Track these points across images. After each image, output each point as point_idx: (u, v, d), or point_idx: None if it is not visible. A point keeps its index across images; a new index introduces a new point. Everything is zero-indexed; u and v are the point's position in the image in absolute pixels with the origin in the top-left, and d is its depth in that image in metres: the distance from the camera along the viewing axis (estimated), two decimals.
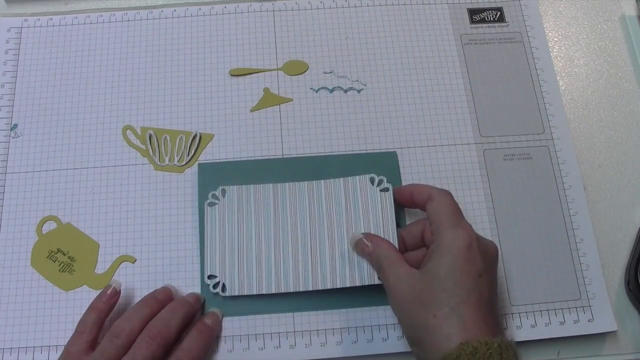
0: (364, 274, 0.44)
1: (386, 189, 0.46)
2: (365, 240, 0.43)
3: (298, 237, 0.45)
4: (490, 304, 0.38)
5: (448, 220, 0.40)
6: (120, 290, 0.43)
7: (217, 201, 0.46)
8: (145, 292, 0.44)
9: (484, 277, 0.38)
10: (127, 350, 0.40)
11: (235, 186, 0.46)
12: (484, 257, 0.39)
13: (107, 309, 0.42)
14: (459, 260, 0.38)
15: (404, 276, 0.39)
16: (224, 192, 0.46)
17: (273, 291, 0.44)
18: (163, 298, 0.43)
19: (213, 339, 0.43)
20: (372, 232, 0.44)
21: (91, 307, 0.42)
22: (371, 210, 0.45)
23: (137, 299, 0.44)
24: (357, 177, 0.47)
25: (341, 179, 0.47)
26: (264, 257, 0.45)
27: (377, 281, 0.42)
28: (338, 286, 0.44)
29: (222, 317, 0.44)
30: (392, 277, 0.40)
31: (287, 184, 0.47)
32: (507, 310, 0.45)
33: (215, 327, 0.43)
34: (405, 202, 0.45)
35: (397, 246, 0.43)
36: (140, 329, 0.41)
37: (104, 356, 0.39)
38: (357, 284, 0.43)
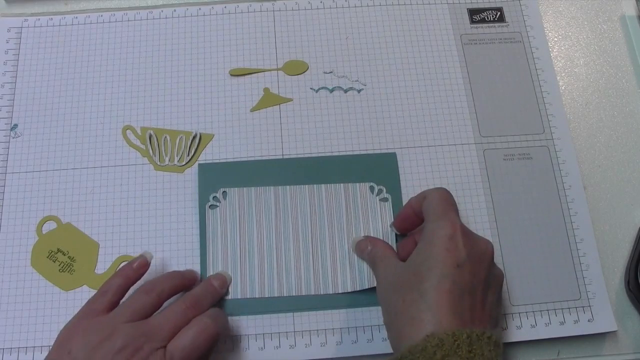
0: (364, 278, 0.44)
1: (385, 199, 0.46)
2: (364, 241, 0.44)
3: (299, 241, 0.45)
4: (468, 296, 0.36)
5: (434, 212, 0.39)
6: (150, 262, 0.43)
7: (218, 204, 0.46)
8: None
9: (465, 268, 0.36)
10: (154, 310, 0.40)
11: (236, 189, 0.47)
12: (470, 250, 0.37)
13: (135, 277, 0.42)
14: (436, 248, 0.37)
15: (391, 268, 0.40)
16: (224, 194, 0.47)
17: (275, 295, 0.44)
18: (190, 278, 0.44)
19: (217, 299, 0.43)
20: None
21: (119, 272, 0.42)
22: (371, 218, 0.46)
23: None
24: (357, 184, 0.47)
25: (341, 185, 0.47)
26: (266, 262, 0.45)
27: (376, 284, 0.43)
28: (339, 291, 0.44)
29: (230, 281, 0.44)
30: (381, 269, 0.41)
31: (287, 187, 0.47)
32: (507, 310, 0.45)
33: (221, 289, 0.43)
34: (411, 221, 0.43)
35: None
36: (169, 295, 0.41)
37: (131, 308, 0.39)
38: (358, 289, 0.44)
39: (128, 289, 0.41)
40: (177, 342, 0.38)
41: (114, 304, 0.40)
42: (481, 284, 0.37)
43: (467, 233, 0.38)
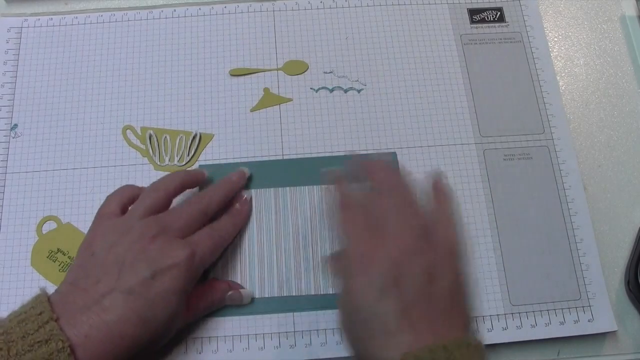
0: None
1: None
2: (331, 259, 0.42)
3: (299, 241, 0.46)
4: (414, 308, 0.33)
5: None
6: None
7: None
8: None
9: (389, 292, 0.33)
10: (165, 206, 0.42)
11: None
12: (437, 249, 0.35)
13: (137, 191, 0.44)
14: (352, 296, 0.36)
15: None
16: None
17: (275, 295, 0.44)
18: (196, 175, 0.45)
19: (245, 220, 0.46)
20: None
21: (121, 186, 0.44)
22: None
23: None
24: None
25: None
26: (266, 262, 0.45)
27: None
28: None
29: (252, 199, 0.47)
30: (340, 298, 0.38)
31: (287, 188, 0.47)
32: (507, 310, 0.45)
33: (244, 208, 0.45)
34: None
35: None
36: (176, 192, 0.43)
37: (142, 206, 0.41)
38: None
39: (134, 196, 0.43)
40: (195, 238, 0.41)
41: (124, 207, 0.42)
42: (420, 281, 0.34)
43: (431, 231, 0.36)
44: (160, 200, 0.42)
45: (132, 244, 0.39)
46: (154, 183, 0.43)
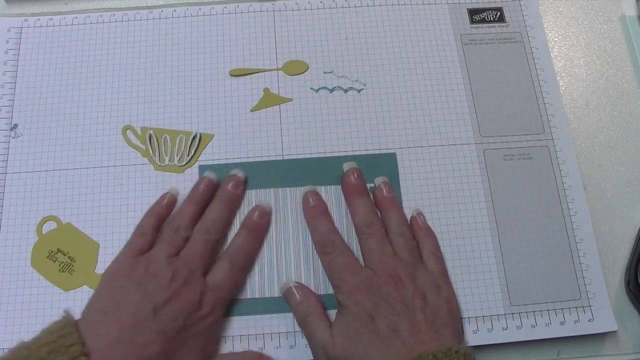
0: None
1: None
2: (294, 290, 0.44)
3: (299, 241, 0.45)
4: (395, 334, 0.38)
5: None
6: (177, 198, 0.45)
7: None
8: None
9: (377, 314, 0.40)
10: (184, 243, 0.43)
11: None
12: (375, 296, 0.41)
13: (165, 214, 0.45)
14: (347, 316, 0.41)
15: (325, 335, 0.41)
16: None
17: (275, 295, 0.44)
18: (204, 189, 0.45)
19: (264, 234, 0.46)
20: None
21: (151, 212, 0.44)
22: None
23: None
24: None
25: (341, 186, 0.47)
26: (266, 262, 0.45)
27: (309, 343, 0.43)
28: None
29: (270, 210, 0.46)
30: (318, 330, 0.41)
31: (287, 188, 0.47)
32: (507, 310, 0.45)
33: (262, 221, 0.45)
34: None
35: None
36: (193, 224, 0.44)
37: (167, 246, 0.42)
38: None
39: (160, 226, 0.44)
40: (217, 280, 0.42)
41: (152, 243, 0.43)
42: (405, 306, 0.40)
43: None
44: (180, 241, 0.43)
45: (165, 287, 0.40)
46: (172, 220, 0.44)
